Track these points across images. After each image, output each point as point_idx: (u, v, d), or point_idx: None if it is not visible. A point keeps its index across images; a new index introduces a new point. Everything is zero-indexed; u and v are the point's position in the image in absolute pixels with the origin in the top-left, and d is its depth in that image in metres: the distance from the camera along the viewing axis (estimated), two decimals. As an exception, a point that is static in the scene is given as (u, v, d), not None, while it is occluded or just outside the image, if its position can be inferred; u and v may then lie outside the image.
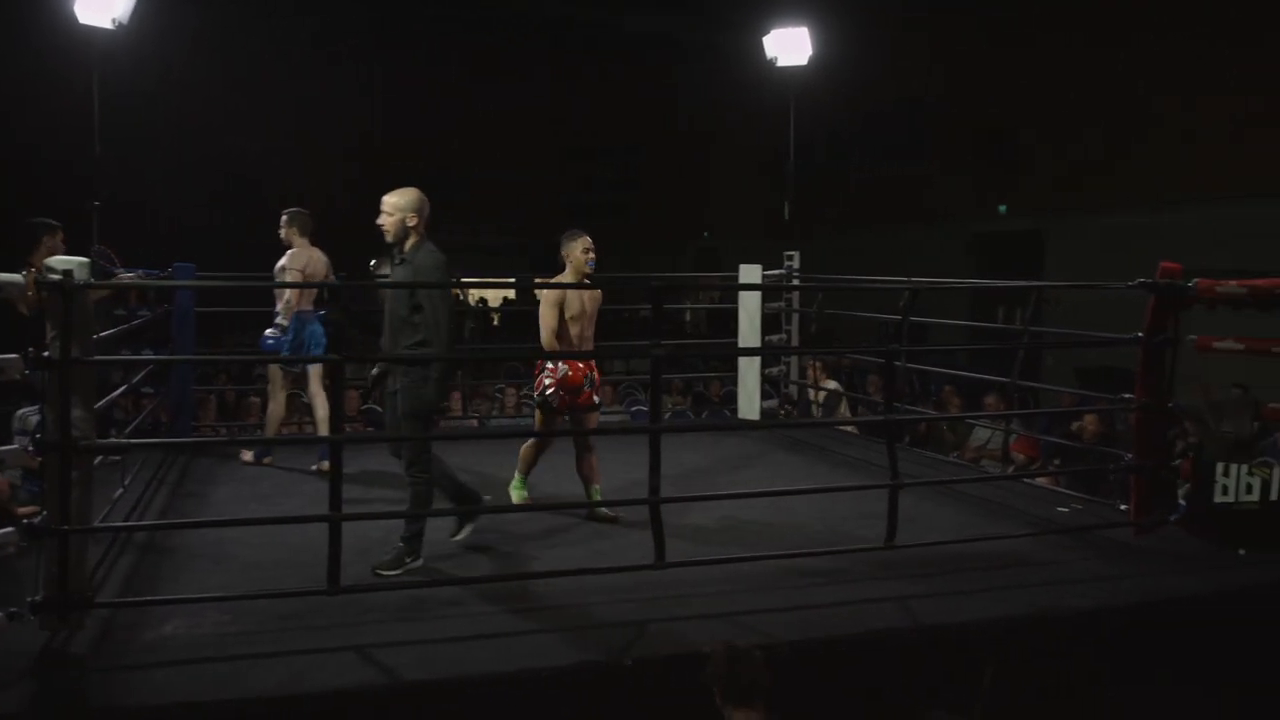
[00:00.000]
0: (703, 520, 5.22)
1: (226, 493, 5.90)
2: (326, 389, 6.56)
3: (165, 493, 5.87)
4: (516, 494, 5.59)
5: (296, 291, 6.30)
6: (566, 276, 5.43)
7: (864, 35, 15.95)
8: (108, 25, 6.92)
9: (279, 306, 6.31)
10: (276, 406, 6.64)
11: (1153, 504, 5.01)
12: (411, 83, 21.65)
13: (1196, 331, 5.02)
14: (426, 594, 4.11)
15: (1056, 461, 7.37)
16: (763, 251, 8.77)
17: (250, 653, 3.51)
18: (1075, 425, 7.40)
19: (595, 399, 5.47)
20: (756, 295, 8.10)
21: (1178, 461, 5.08)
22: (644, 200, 23.78)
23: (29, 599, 3.49)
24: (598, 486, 5.42)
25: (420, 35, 21.36)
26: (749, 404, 8.19)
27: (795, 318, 8.59)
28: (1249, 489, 4.67)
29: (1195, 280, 4.93)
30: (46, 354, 3.46)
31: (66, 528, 3.49)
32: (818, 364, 9.16)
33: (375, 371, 5.00)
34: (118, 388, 6.00)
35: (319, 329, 6.41)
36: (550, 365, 5.34)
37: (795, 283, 8.53)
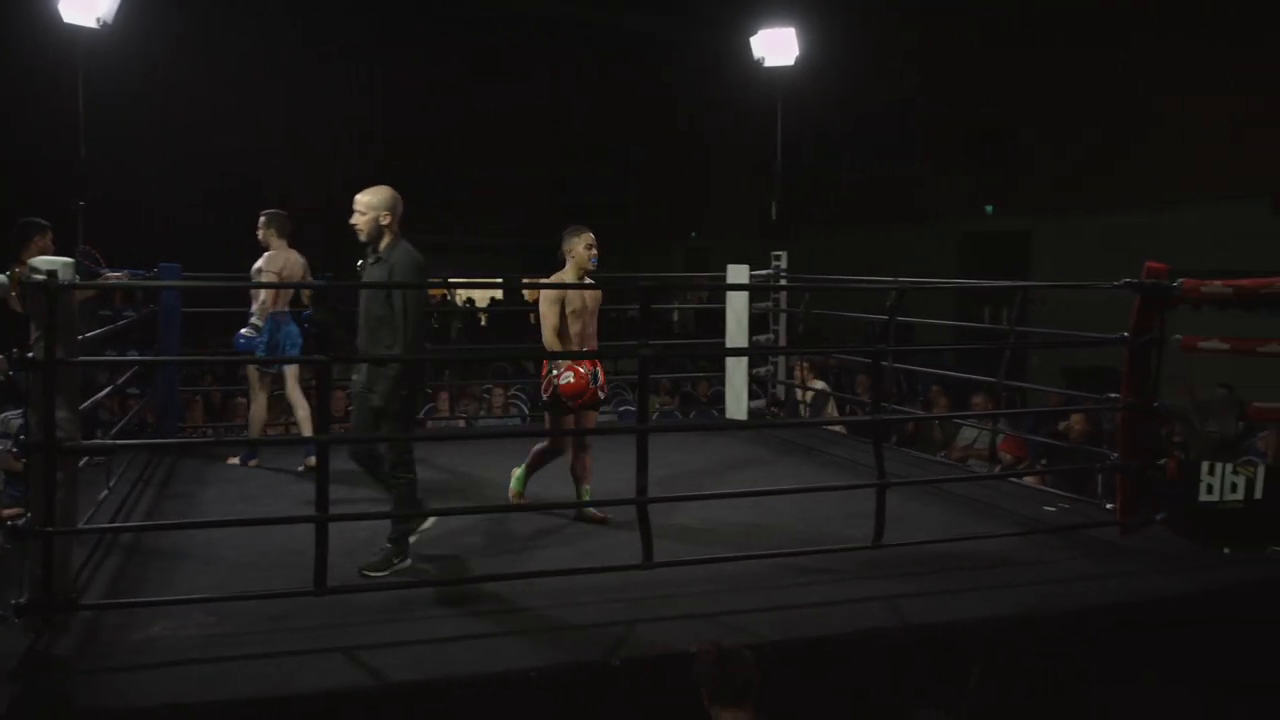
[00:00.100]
0: (690, 520, 5.21)
1: (213, 494, 5.88)
2: (305, 390, 6.56)
3: (151, 494, 5.84)
4: (514, 484, 5.57)
5: (272, 292, 6.29)
6: (567, 272, 5.34)
7: (857, 36, 15.99)
8: (92, 24, 6.90)
9: (254, 307, 6.30)
10: (258, 408, 6.63)
11: (1138, 503, 5.03)
12: (411, 83, 21.55)
13: (1182, 331, 5.03)
14: (414, 594, 4.10)
15: (1043, 461, 7.41)
16: (756, 252, 8.77)
17: (237, 654, 3.49)
18: (1062, 425, 7.44)
19: (600, 395, 5.36)
20: (744, 295, 8.12)
21: (1163, 461, 5.09)
22: (644, 200, 23.76)
23: (13, 601, 3.47)
24: (588, 487, 5.40)
25: (420, 35, 21.28)
26: (737, 404, 8.22)
27: (783, 318, 8.61)
28: (1234, 488, 4.70)
29: (1180, 280, 4.95)
30: (30, 354, 3.43)
31: (51, 529, 3.46)
32: (805, 364, 9.18)
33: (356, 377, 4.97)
34: (103, 388, 5.98)
35: (295, 330, 6.40)
36: (560, 365, 5.19)
37: (782, 283, 8.55)
